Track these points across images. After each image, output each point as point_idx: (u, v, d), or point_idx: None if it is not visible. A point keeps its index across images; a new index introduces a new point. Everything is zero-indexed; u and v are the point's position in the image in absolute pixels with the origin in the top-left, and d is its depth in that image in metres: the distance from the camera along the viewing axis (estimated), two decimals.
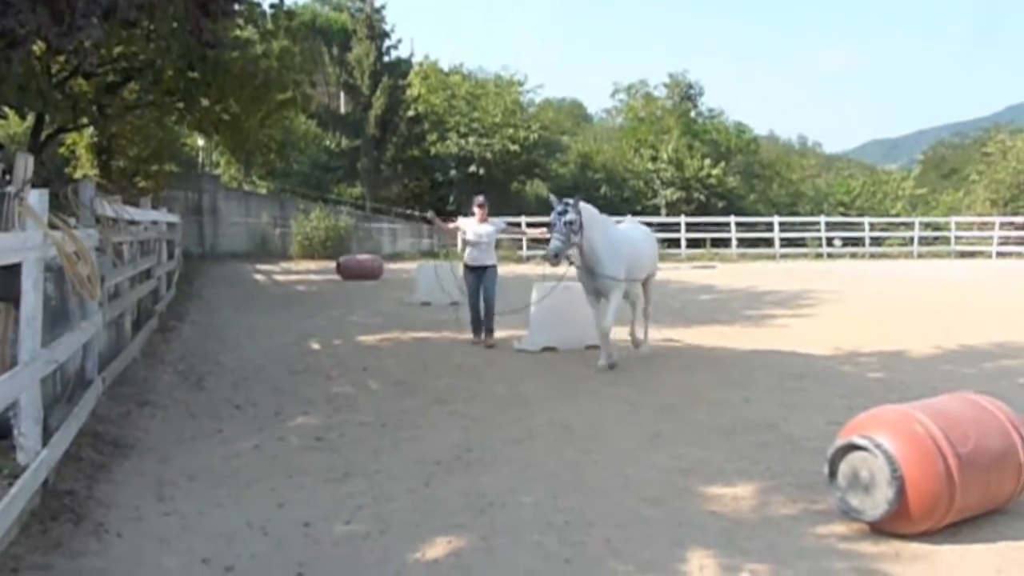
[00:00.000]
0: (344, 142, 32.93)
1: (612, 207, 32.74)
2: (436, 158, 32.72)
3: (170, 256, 14.66)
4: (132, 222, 9.04)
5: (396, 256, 26.83)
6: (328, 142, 33.54)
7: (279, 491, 5.00)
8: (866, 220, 32.97)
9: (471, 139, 32.06)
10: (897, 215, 36.34)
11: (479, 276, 10.20)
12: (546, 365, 9.10)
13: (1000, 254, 30.97)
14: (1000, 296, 16.95)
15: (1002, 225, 31.93)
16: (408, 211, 30.71)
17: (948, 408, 4.40)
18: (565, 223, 8.10)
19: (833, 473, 4.32)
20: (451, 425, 6.59)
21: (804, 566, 3.93)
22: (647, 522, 4.51)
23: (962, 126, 68.08)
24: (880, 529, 4.21)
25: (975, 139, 46.12)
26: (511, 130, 32.31)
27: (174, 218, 16.21)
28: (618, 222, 9.64)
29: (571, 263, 8.65)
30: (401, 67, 33.19)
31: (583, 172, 35.63)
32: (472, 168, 31.78)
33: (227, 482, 5.17)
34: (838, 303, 15.51)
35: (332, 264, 21.22)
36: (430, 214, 11.62)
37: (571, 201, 8.30)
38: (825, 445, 4.56)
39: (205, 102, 17.69)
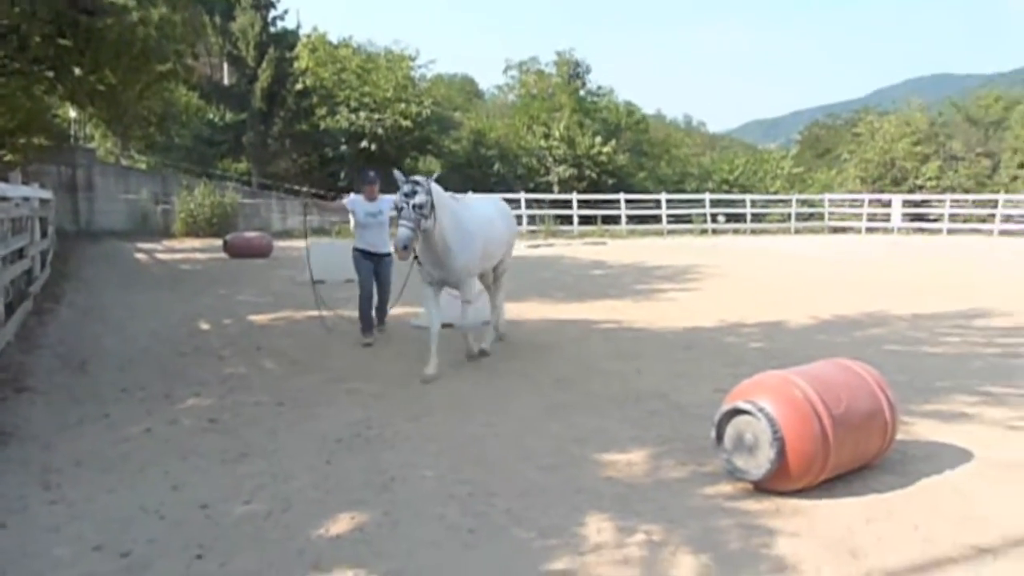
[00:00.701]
0: (229, 116, 31.77)
1: (505, 184, 33.04)
2: (326, 133, 32.03)
3: (43, 234, 13.87)
4: (2, 198, 8.52)
5: (285, 234, 26.20)
6: (212, 115, 32.30)
7: (173, 474, 4.89)
8: (747, 197, 34.36)
9: (362, 114, 31.52)
10: (776, 192, 38.00)
11: (374, 263, 9.06)
12: (443, 341, 9.09)
13: (869, 229, 32.89)
14: (868, 269, 18.06)
15: (870, 202, 33.90)
16: (297, 188, 30.00)
17: (823, 373, 4.71)
18: (414, 207, 6.88)
19: (720, 436, 4.57)
20: (350, 403, 6.56)
21: (694, 524, 4.15)
22: (546, 490, 4.65)
23: (834, 107, 71.57)
24: (763, 488, 4.49)
25: (846, 120, 48.69)
26: (403, 105, 31.93)
27: (46, 194, 15.32)
28: (455, 198, 8.15)
29: (415, 256, 7.35)
30: (288, 38, 32.18)
31: (476, 149, 35.63)
32: (363, 144, 31.26)
33: (117, 467, 5.01)
34: (722, 277, 16.18)
35: (218, 242, 20.56)
36: (307, 202, 10.64)
37: (420, 180, 7.09)
38: (712, 411, 4.80)
39: (78, 71, 16.67)
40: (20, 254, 10.31)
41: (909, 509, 4.37)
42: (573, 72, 39.80)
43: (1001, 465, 5.01)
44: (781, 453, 4.30)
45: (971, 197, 32.96)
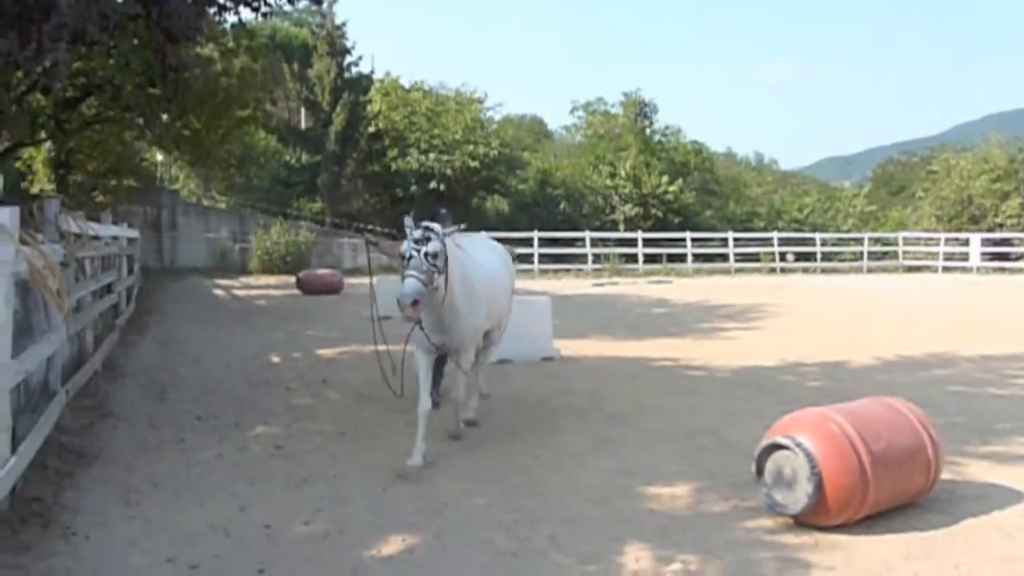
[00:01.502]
0: (304, 157, 33.03)
1: (571, 222, 33.32)
2: (396, 174, 32.94)
3: (130, 271, 14.70)
4: (94, 237, 9.16)
5: (356, 271, 26.95)
6: (288, 157, 33.60)
7: (241, 496, 5.22)
8: (818, 236, 33.86)
9: (431, 155, 32.33)
10: (848, 231, 37.33)
11: None
12: (500, 377, 9.34)
13: (946, 269, 32.01)
14: (941, 309, 17.64)
15: (947, 240, 33.02)
16: (368, 227, 30.88)
17: (863, 410, 4.79)
18: (426, 255, 5.71)
19: (760, 471, 4.68)
20: (408, 434, 6.77)
21: (732, 556, 4.26)
22: (590, 520, 4.82)
23: (911, 144, 70.06)
24: (802, 522, 4.57)
25: (922, 158, 47.62)
26: (471, 147, 32.64)
27: (134, 233, 16.24)
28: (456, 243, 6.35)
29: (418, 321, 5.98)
30: (362, 83, 33.43)
31: (542, 188, 36.09)
32: (432, 184, 32.04)
33: (190, 488, 5.37)
34: (787, 316, 16.04)
35: (292, 279, 21.31)
36: (368, 238, 8.34)
37: (433, 226, 5.94)
38: None
39: (165, 118, 17.81)
40: (108, 289, 11.00)
41: (950, 548, 4.39)
42: (640, 112, 40.11)
43: None
44: (819, 487, 4.38)
45: None
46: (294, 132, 34.00)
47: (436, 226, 5.97)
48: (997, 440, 6.61)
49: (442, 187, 31.96)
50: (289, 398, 8.25)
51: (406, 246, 5.83)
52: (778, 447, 4.59)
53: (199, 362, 10.29)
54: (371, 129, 32.44)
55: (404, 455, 6.12)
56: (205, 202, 32.14)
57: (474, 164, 32.36)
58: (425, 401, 6.20)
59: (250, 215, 29.58)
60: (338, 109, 31.38)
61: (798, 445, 4.47)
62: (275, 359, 10.74)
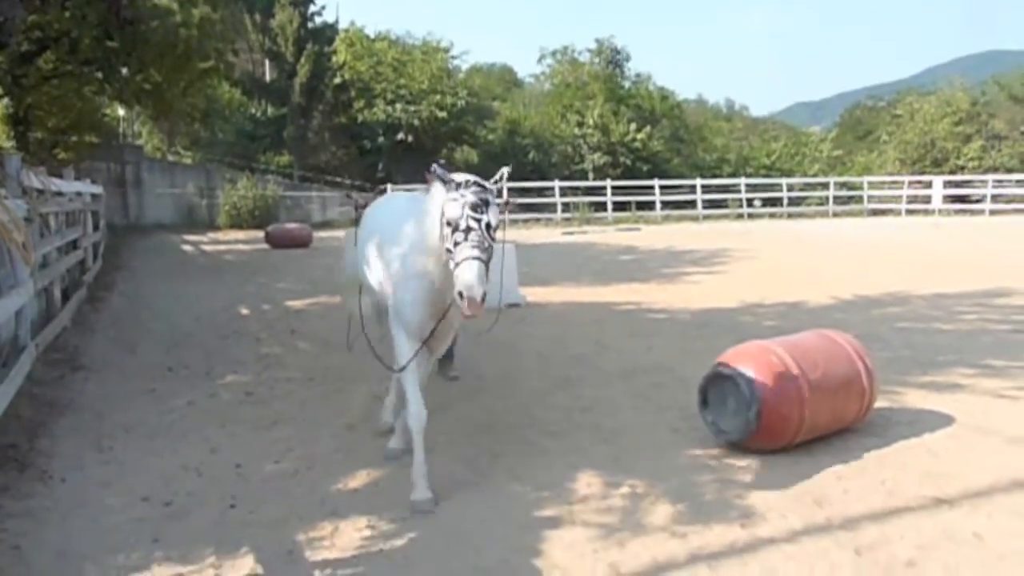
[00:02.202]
0: (270, 110, 32.66)
1: (540, 172, 33.36)
2: (364, 125, 32.68)
3: (95, 228, 14.64)
4: (57, 193, 9.17)
5: (326, 224, 26.92)
6: (253, 110, 33.19)
7: (212, 439, 5.42)
8: (784, 181, 34.20)
9: (398, 106, 32.10)
10: (815, 176, 37.71)
11: None
12: (464, 323, 9.51)
13: (909, 211, 32.53)
14: (902, 251, 18.05)
15: (911, 184, 33.50)
16: (337, 179, 30.72)
17: (803, 342, 5.07)
18: (487, 227, 4.05)
19: (705, 401, 4.95)
20: (374, 379, 7.02)
21: (676, 479, 4.55)
22: (546, 452, 5.08)
23: (881, 88, 70.40)
24: (745, 447, 4.86)
25: (888, 102, 48.02)
26: (438, 96, 32.42)
27: (97, 189, 16.11)
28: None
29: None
30: (326, 33, 32.98)
31: (511, 138, 36.02)
32: (400, 135, 31.87)
33: (162, 434, 5.56)
34: (751, 260, 16.37)
35: (261, 233, 21.29)
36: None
37: (489, 186, 4.23)
38: None
39: (125, 71, 17.53)
40: (74, 245, 11.00)
41: (880, 467, 4.71)
42: (611, 59, 39.95)
43: (977, 429, 5.31)
44: (759, 415, 4.66)
45: (1014, 177, 32.38)
46: (258, 84, 33.54)
47: (489, 185, 4.26)
48: (936, 371, 6.94)
49: (410, 138, 31.81)
50: (258, 348, 8.40)
51: (460, 211, 4.04)
52: (722, 377, 4.85)
53: (168, 316, 10.37)
54: (336, 80, 32.10)
55: (371, 399, 6.32)
56: (170, 157, 31.71)
57: (442, 114, 32.18)
58: (419, 413, 4.51)
59: (216, 170, 29.29)
60: (302, 60, 30.98)
61: (740, 375, 4.74)
62: (244, 311, 10.86)
